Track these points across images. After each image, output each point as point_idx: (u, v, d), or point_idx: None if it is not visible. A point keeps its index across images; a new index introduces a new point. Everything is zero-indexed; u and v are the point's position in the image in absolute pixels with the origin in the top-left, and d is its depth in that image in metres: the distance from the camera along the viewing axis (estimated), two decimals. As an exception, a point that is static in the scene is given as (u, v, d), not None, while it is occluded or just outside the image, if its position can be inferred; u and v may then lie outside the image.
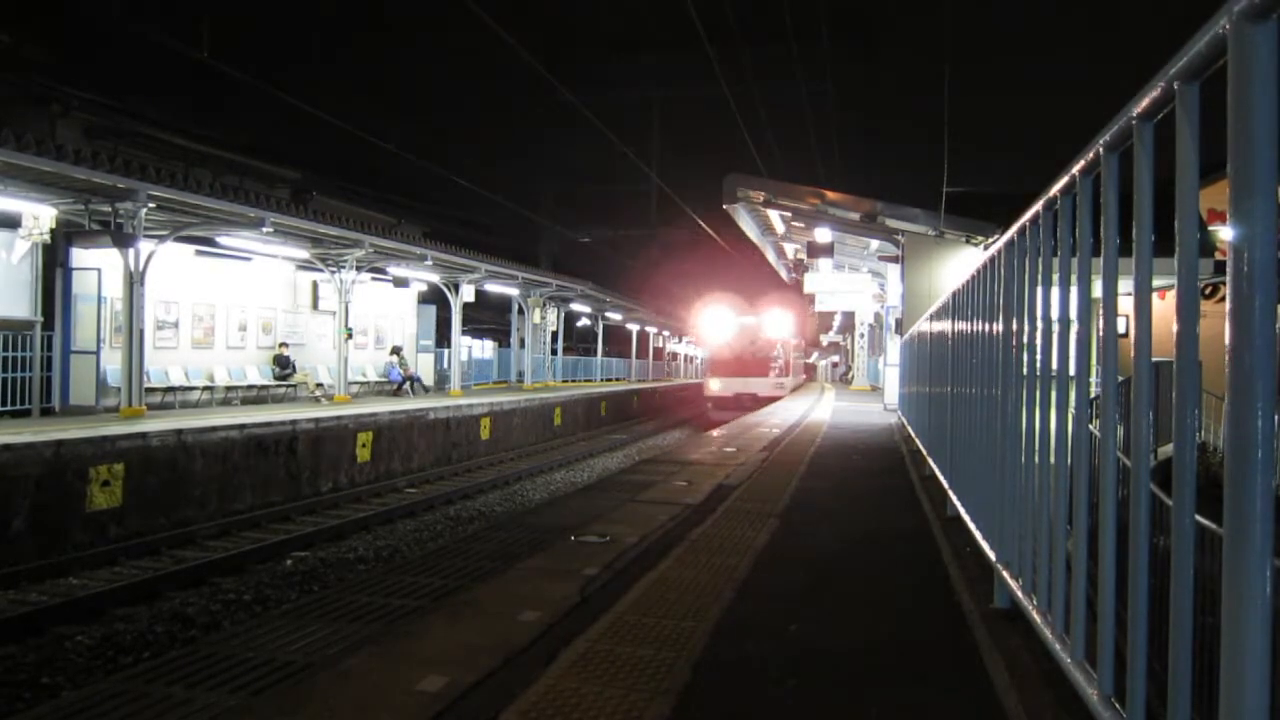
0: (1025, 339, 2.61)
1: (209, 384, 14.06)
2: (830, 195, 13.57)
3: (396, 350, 18.61)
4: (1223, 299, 1.15)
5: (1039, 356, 2.48)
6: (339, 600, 3.76)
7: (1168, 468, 1.39)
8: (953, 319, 4.55)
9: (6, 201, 9.89)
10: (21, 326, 11.04)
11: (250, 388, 14.96)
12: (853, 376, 36.47)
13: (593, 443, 20.86)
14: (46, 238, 10.34)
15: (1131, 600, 1.52)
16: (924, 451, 6.74)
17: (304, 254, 14.72)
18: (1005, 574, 2.78)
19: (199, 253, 13.98)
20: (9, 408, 10.77)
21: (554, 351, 28.32)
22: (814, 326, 41.51)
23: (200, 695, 2.80)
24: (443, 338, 22.03)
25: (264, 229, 12.32)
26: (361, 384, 18.02)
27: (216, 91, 23.27)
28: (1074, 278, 2.06)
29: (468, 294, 19.77)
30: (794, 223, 16.38)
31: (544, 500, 11.76)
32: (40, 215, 10.13)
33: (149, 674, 2.87)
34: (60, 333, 11.74)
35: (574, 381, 32.09)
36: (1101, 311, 1.84)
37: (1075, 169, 1.94)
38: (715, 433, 12.43)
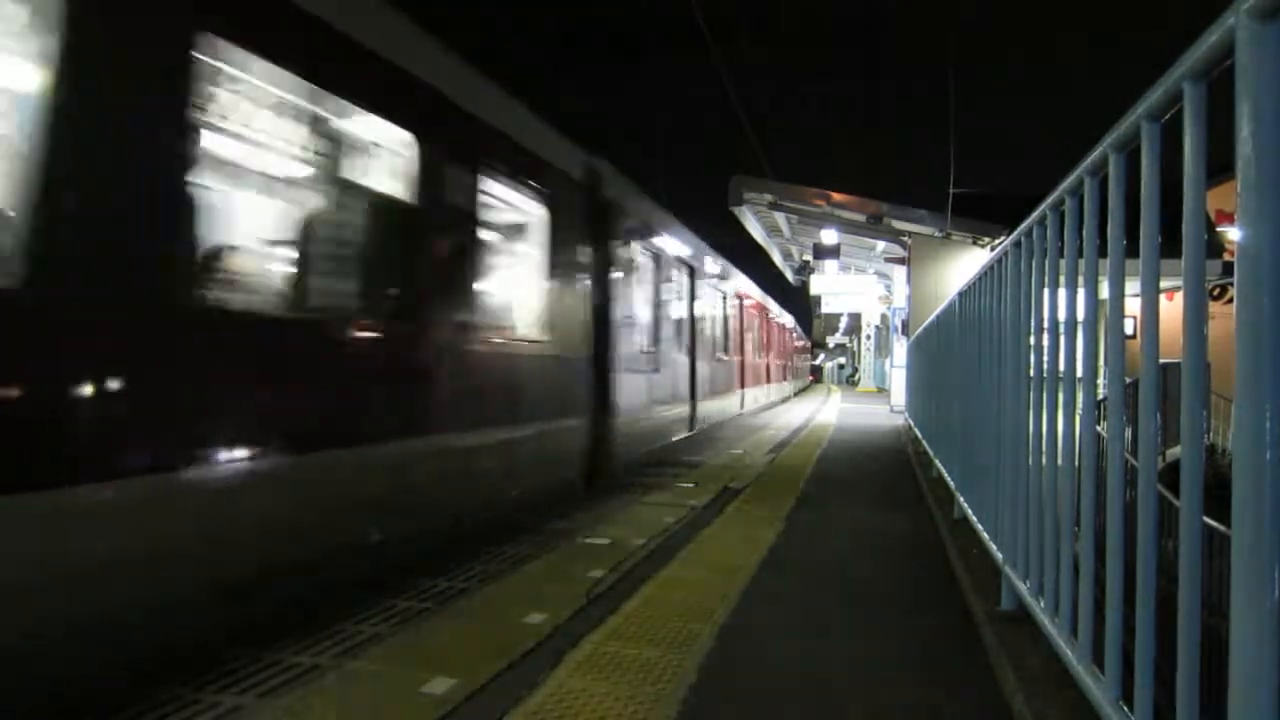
0: (1032, 340, 2.60)
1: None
2: (836, 197, 13.55)
3: None
4: (1231, 300, 1.14)
5: (1046, 358, 2.47)
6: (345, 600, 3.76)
7: (1176, 470, 1.38)
8: (959, 320, 4.54)
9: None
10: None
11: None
12: (858, 378, 36.36)
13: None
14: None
15: (1139, 603, 1.51)
16: (930, 453, 6.72)
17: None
18: (1013, 575, 2.77)
19: None
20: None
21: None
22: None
23: (208, 696, 2.81)
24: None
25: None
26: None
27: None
28: (1081, 279, 2.06)
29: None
30: (800, 224, 16.36)
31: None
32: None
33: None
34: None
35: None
36: (1109, 313, 1.84)
37: (1082, 170, 1.94)
38: (723, 435, 12.41)
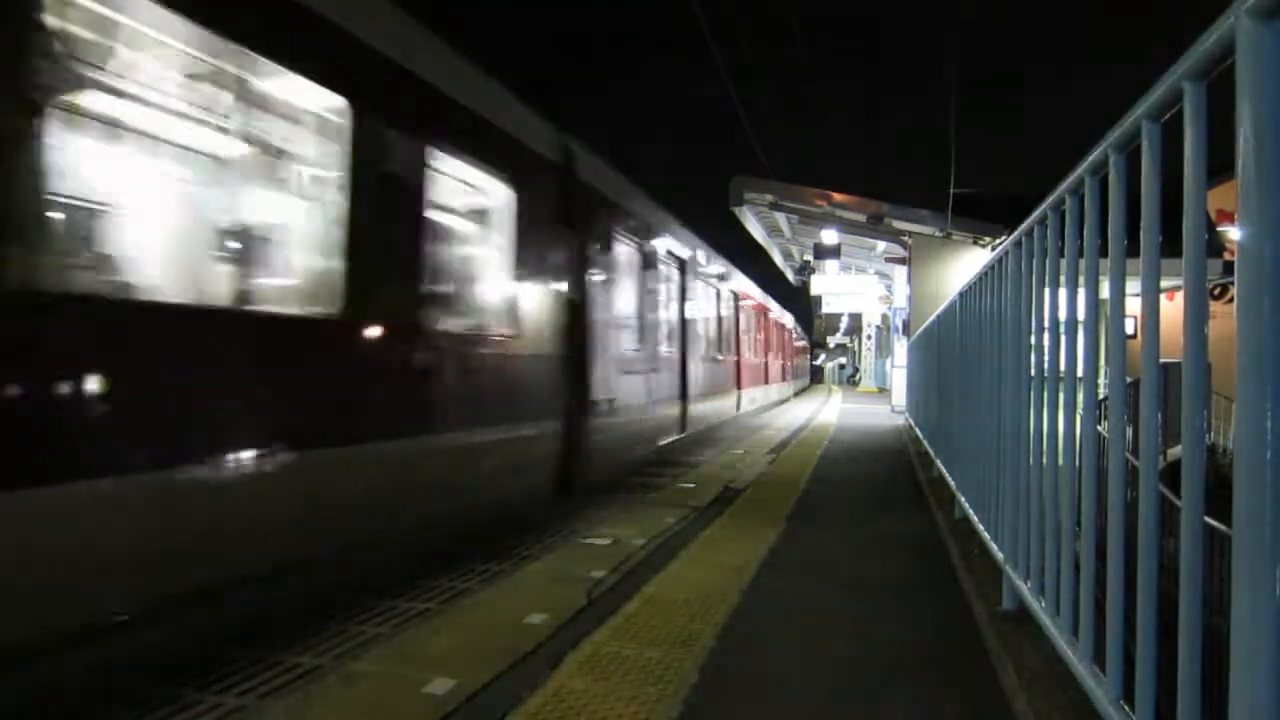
0: (1033, 340, 2.60)
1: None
2: (837, 197, 13.55)
3: None
4: (1231, 299, 1.14)
5: (1047, 357, 2.48)
6: (347, 600, 3.76)
7: (1177, 469, 1.38)
8: (960, 320, 4.54)
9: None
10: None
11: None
12: (859, 379, 36.37)
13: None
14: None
15: (1141, 602, 1.51)
16: (931, 453, 6.72)
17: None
18: (1013, 575, 2.77)
19: None
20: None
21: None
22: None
23: (209, 697, 2.82)
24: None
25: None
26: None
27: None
28: (1081, 279, 2.06)
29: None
30: (800, 224, 16.33)
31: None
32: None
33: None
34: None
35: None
36: (1109, 312, 1.84)
37: (1082, 170, 1.94)
38: (724, 434, 12.42)
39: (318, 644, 3.29)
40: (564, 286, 5.92)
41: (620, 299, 7.35)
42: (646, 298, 8.24)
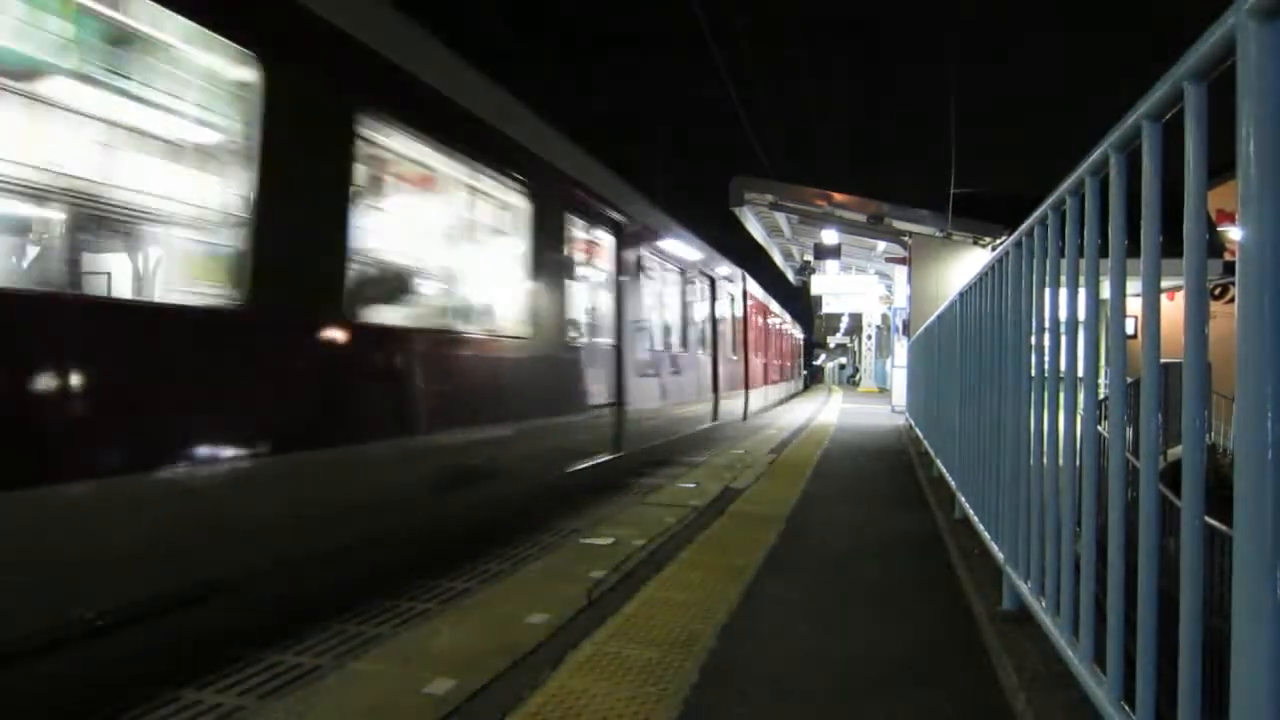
0: (1033, 340, 2.60)
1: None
2: (837, 197, 13.55)
3: None
4: (1232, 299, 1.14)
5: (1047, 357, 2.48)
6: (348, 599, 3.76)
7: (1177, 469, 1.38)
8: (960, 320, 4.54)
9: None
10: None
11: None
12: (859, 379, 36.38)
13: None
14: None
15: (1141, 603, 1.51)
16: (932, 453, 6.72)
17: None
18: (1014, 575, 2.77)
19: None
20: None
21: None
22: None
23: (210, 696, 2.82)
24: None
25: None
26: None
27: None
28: (1082, 279, 2.06)
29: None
30: (801, 224, 16.33)
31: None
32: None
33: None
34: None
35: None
36: (1110, 312, 1.84)
37: (1083, 170, 1.94)
38: (724, 434, 12.42)
39: (318, 644, 3.29)
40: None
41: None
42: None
